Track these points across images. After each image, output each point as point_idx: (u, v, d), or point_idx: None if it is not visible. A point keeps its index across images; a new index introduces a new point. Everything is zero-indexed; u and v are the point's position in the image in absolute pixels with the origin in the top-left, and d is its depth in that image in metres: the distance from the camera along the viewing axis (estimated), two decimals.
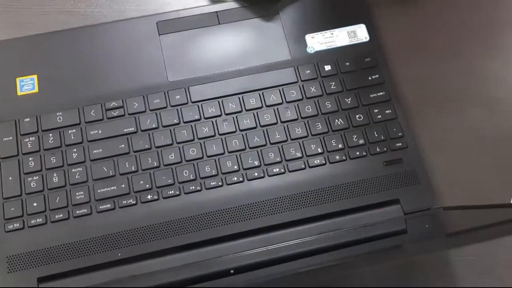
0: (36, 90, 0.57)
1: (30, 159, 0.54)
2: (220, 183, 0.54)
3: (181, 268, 0.50)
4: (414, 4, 0.63)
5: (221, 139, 0.56)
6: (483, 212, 0.48)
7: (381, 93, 0.57)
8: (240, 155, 0.55)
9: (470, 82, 0.60)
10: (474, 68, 0.60)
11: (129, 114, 0.57)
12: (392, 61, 0.60)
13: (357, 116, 0.57)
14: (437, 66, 0.60)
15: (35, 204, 0.53)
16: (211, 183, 0.54)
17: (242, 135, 0.56)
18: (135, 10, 0.63)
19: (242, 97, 0.57)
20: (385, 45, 0.61)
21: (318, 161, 0.55)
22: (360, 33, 0.60)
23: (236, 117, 0.57)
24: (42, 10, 0.62)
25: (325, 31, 0.61)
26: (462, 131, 0.57)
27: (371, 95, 0.57)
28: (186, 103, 0.57)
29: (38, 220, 0.52)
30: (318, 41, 0.60)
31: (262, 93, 0.58)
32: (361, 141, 0.56)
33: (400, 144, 0.55)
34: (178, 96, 0.57)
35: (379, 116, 0.57)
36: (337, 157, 0.55)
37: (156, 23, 0.60)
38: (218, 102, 0.57)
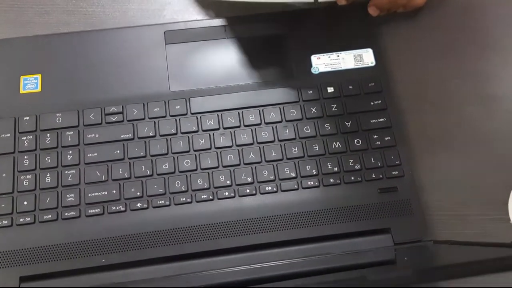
0: (39, 89, 0.58)
1: (26, 157, 0.55)
2: (211, 197, 0.54)
3: (162, 280, 0.49)
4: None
5: (217, 152, 0.55)
6: (474, 248, 0.47)
7: (382, 120, 0.57)
8: (234, 170, 0.55)
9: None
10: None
11: (127, 121, 0.57)
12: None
13: (355, 140, 0.56)
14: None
15: (25, 203, 0.53)
16: (202, 196, 0.54)
17: (238, 150, 0.56)
18: (137, 9, 0.63)
19: (242, 112, 0.57)
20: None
21: (312, 183, 0.54)
22: (366, 57, 0.60)
23: (234, 131, 0.56)
24: (44, 9, 0.63)
25: (331, 53, 0.60)
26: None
27: (371, 121, 0.57)
28: (186, 114, 0.57)
29: (26, 219, 0.52)
30: (324, 63, 0.60)
31: (262, 110, 0.57)
32: (357, 166, 0.55)
33: (397, 172, 0.55)
34: (178, 107, 0.57)
35: (377, 142, 0.56)
36: (331, 180, 0.54)
37: (164, 33, 0.60)
38: (217, 115, 0.57)
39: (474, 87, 0.60)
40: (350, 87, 0.58)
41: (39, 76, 0.58)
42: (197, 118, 0.57)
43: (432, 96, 0.59)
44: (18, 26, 0.62)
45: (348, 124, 0.57)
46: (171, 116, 0.57)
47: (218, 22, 0.61)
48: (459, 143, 0.57)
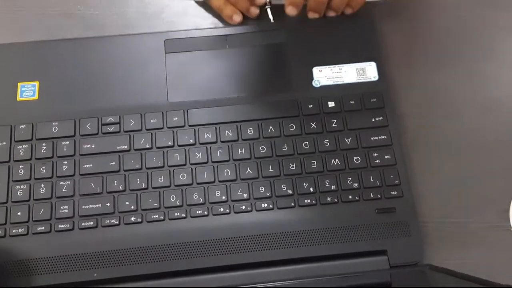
0: (36, 97, 0.57)
1: (21, 167, 0.54)
2: (206, 213, 0.53)
3: None
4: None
5: (213, 166, 0.55)
6: (470, 284, 0.45)
7: (383, 137, 0.55)
8: (230, 185, 0.54)
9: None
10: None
11: (124, 131, 0.56)
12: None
13: (354, 158, 0.55)
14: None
15: (19, 214, 0.52)
16: (197, 212, 0.53)
17: (235, 165, 0.55)
18: (135, 12, 0.62)
19: (240, 125, 0.56)
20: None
21: (309, 201, 0.53)
22: (369, 71, 0.58)
23: (232, 145, 0.55)
24: (41, 12, 0.62)
25: (333, 66, 0.59)
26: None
27: (372, 138, 0.55)
28: (183, 126, 0.56)
29: (20, 230, 0.52)
30: (325, 75, 0.58)
31: (261, 124, 0.56)
32: (356, 185, 0.54)
33: (396, 192, 0.53)
34: (176, 118, 0.56)
35: (377, 161, 0.55)
36: (329, 198, 0.53)
37: (164, 41, 0.59)
38: (215, 128, 0.56)
39: (480, 100, 0.59)
40: (351, 102, 0.57)
41: (36, 83, 0.58)
42: (194, 130, 0.56)
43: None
44: (15, 29, 0.61)
45: (348, 140, 0.56)
46: (168, 128, 0.56)
47: (219, 31, 0.60)
48: (459, 150, 0.57)
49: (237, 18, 0.60)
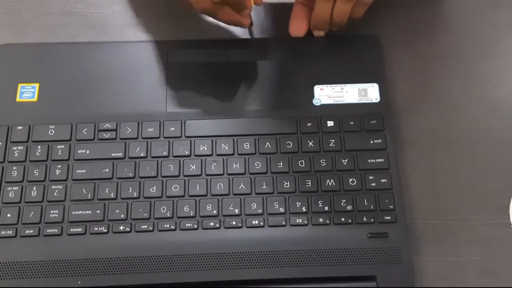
0: (35, 99, 0.57)
1: (14, 168, 0.54)
2: (195, 226, 0.52)
3: None
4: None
5: (207, 179, 0.54)
6: None
7: (380, 160, 0.55)
8: (222, 200, 0.53)
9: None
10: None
11: (120, 139, 0.56)
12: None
13: (350, 179, 0.54)
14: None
15: (8, 215, 0.52)
16: (187, 224, 0.52)
17: (229, 179, 0.54)
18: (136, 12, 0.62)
19: (237, 139, 0.56)
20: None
21: (300, 220, 0.53)
22: (371, 92, 0.58)
23: (227, 159, 0.55)
24: (42, 10, 0.62)
25: (335, 85, 0.58)
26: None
27: (369, 160, 0.55)
28: (179, 137, 0.56)
29: (8, 232, 0.52)
30: (327, 94, 0.58)
31: (258, 139, 0.56)
32: (349, 207, 0.53)
33: (389, 217, 0.52)
34: (173, 128, 0.56)
35: (373, 184, 0.54)
36: (321, 219, 0.53)
37: (167, 51, 0.59)
38: (212, 140, 0.56)
39: (480, 99, 0.59)
40: (351, 122, 0.56)
41: (36, 85, 0.58)
42: (190, 141, 0.56)
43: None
44: (15, 28, 0.61)
45: (345, 161, 0.55)
46: (164, 137, 0.56)
47: (222, 43, 0.60)
48: (459, 147, 0.57)
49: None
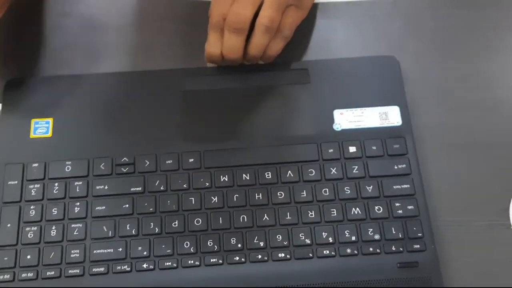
0: (49, 134, 0.56)
1: (32, 207, 0.53)
2: (220, 261, 0.51)
3: None
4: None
5: (229, 212, 0.53)
6: None
7: (406, 186, 0.53)
8: (246, 232, 0.52)
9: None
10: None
11: (139, 173, 0.54)
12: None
13: (376, 207, 0.53)
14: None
15: (28, 257, 0.51)
16: (211, 260, 0.51)
17: (252, 210, 0.53)
18: (136, 14, 0.61)
19: (258, 169, 0.55)
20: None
21: (328, 251, 0.51)
22: (392, 116, 0.57)
23: (249, 190, 0.54)
24: (40, 11, 0.61)
25: (355, 109, 0.57)
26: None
27: (394, 187, 0.54)
28: (199, 168, 0.55)
29: (29, 274, 0.50)
30: (347, 119, 0.57)
31: (279, 168, 0.55)
32: (377, 236, 0.52)
33: (418, 246, 0.51)
34: (192, 160, 0.55)
35: (399, 211, 0.53)
36: (349, 250, 0.51)
37: (182, 79, 0.58)
38: (232, 171, 0.54)
39: (481, 99, 0.58)
40: (373, 147, 0.55)
41: (50, 120, 0.56)
42: (211, 173, 0.54)
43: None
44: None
45: (370, 188, 0.54)
46: (184, 169, 0.55)
47: (239, 69, 0.59)
48: (459, 148, 0.57)
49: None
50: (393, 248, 0.51)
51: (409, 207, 0.53)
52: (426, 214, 0.52)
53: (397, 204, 0.53)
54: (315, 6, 0.62)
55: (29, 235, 0.52)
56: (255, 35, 0.55)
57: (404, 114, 0.57)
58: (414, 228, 0.52)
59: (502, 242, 0.53)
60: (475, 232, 0.53)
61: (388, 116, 0.57)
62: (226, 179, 0.54)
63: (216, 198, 0.53)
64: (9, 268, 0.51)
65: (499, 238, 0.53)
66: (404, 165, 0.54)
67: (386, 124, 0.56)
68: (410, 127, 0.56)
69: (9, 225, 0.52)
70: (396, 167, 0.54)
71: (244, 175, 0.54)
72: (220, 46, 0.55)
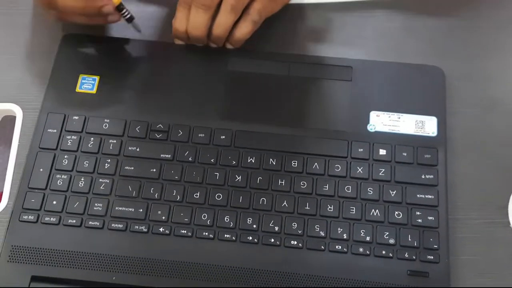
0: (94, 91, 0.58)
1: (66, 157, 0.55)
2: (234, 238, 0.52)
3: None
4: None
5: (250, 192, 0.54)
6: None
7: (430, 197, 0.53)
8: (263, 215, 0.53)
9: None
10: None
11: (171, 141, 0.56)
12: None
13: (396, 212, 0.53)
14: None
15: (54, 202, 0.53)
16: (225, 235, 0.52)
17: (272, 195, 0.54)
18: (140, 11, 0.62)
19: (285, 156, 0.55)
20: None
21: (340, 247, 0.52)
22: (428, 126, 0.56)
23: (273, 175, 0.55)
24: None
25: (392, 113, 0.57)
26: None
27: (418, 195, 0.53)
28: (229, 146, 0.56)
29: (52, 219, 0.53)
30: (382, 122, 0.57)
31: (307, 158, 0.55)
32: (392, 241, 0.52)
33: (432, 257, 0.51)
34: (223, 137, 0.56)
35: (419, 220, 0.52)
36: (361, 249, 0.52)
37: (228, 59, 0.59)
38: (260, 154, 0.55)
39: (481, 99, 0.59)
40: (404, 153, 0.55)
41: (97, 77, 0.59)
42: (239, 152, 0.55)
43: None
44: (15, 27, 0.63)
45: (393, 193, 0.54)
46: (214, 145, 0.56)
47: (282, 57, 0.59)
48: (459, 147, 0.56)
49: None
50: (406, 255, 0.51)
51: (430, 218, 0.52)
52: (446, 227, 0.52)
53: (417, 213, 0.52)
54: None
55: (58, 182, 0.54)
56: (220, 13, 0.55)
57: (441, 126, 0.56)
58: (431, 239, 0.51)
59: (500, 240, 0.53)
60: (474, 230, 0.53)
61: (425, 125, 0.56)
62: (253, 161, 0.55)
63: (240, 177, 0.54)
64: (34, 210, 0.53)
65: (497, 236, 0.53)
66: (431, 176, 0.54)
67: (421, 132, 0.56)
68: (445, 140, 0.56)
69: (41, 169, 0.54)
70: (423, 177, 0.54)
71: (271, 159, 0.55)
72: (186, 23, 0.56)
